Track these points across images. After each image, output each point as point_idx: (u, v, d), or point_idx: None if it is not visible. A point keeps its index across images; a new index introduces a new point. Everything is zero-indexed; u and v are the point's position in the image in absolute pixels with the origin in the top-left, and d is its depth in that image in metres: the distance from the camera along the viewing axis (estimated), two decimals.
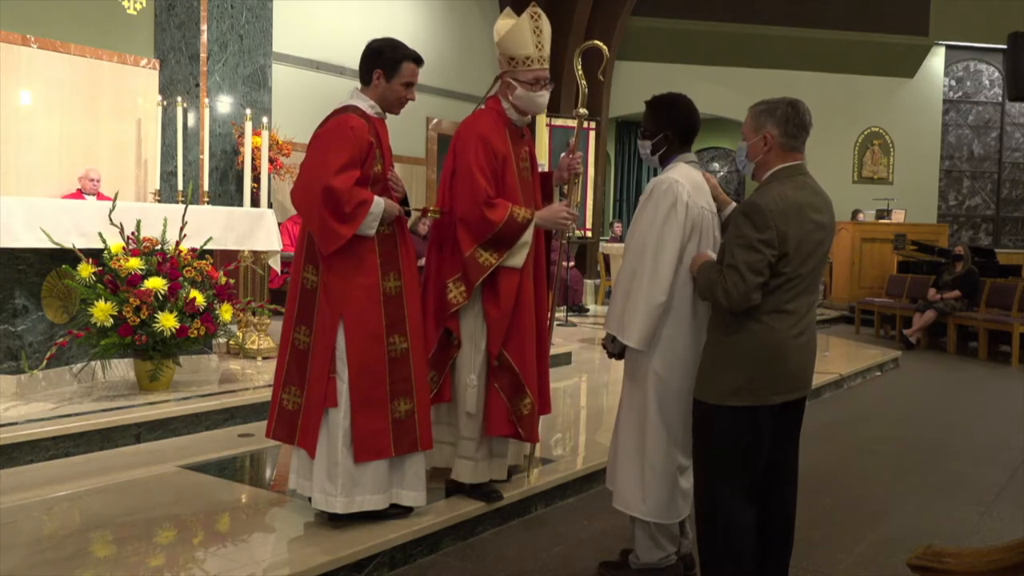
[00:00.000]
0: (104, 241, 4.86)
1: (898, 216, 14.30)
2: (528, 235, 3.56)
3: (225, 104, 7.44)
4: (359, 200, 3.22)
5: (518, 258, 3.56)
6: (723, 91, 15.06)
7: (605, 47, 4.12)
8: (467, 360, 3.66)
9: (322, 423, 3.28)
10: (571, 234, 12.44)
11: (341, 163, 3.20)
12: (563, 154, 3.99)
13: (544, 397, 3.86)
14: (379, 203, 3.30)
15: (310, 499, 3.40)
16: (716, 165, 17.24)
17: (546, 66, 3.66)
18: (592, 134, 13.83)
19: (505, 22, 3.65)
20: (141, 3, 7.54)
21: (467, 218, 3.53)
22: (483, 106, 3.79)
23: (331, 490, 3.29)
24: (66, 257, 4.77)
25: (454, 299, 3.60)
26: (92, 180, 7.13)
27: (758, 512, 2.93)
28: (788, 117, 2.85)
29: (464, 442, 3.70)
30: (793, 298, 2.83)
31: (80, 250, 4.76)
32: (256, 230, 6.05)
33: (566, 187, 3.95)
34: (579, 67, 4.06)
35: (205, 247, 5.31)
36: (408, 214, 3.55)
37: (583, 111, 4.00)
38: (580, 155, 3.89)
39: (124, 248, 4.92)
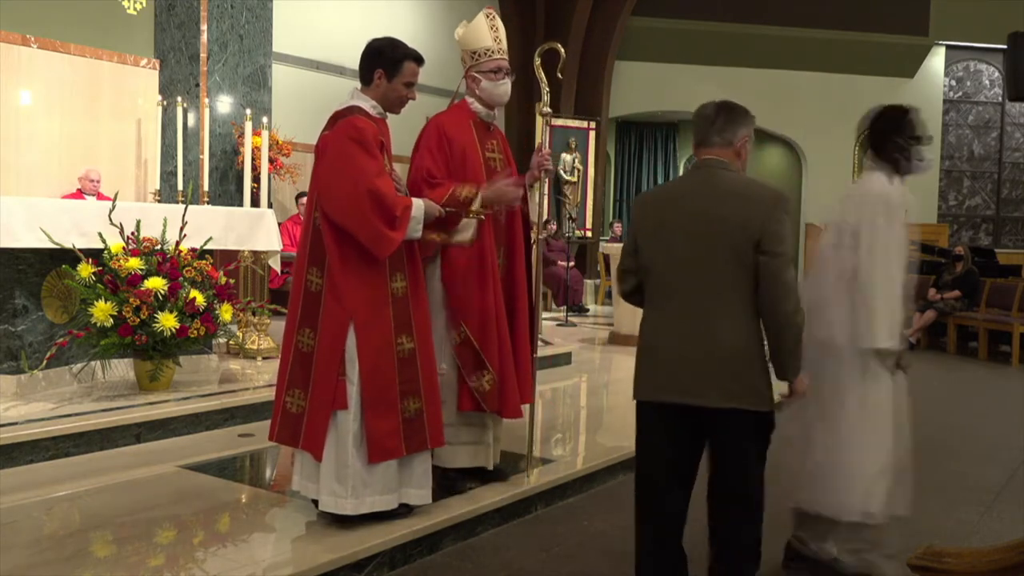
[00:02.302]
0: (104, 241, 4.86)
1: None
2: (476, 207, 3.67)
3: (225, 104, 7.43)
4: (403, 205, 3.26)
5: (465, 235, 3.66)
6: (723, 91, 14.92)
7: (562, 48, 4.36)
8: (437, 350, 3.74)
9: (330, 425, 3.27)
10: (571, 233, 12.46)
11: (377, 167, 3.24)
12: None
13: (524, 384, 3.94)
14: (419, 206, 3.34)
15: (314, 501, 3.40)
16: None
17: (505, 57, 3.88)
18: (592, 134, 13.86)
19: (462, 27, 3.93)
20: (141, 3, 7.54)
21: (412, 189, 3.66)
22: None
23: (341, 492, 3.28)
24: (66, 257, 4.77)
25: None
26: (92, 180, 7.13)
27: (712, 536, 2.94)
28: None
29: (444, 428, 3.76)
30: (663, 293, 2.81)
31: (80, 250, 4.76)
32: (256, 230, 6.05)
33: (537, 184, 4.10)
34: (539, 67, 4.29)
35: (205, 247, 5.30)
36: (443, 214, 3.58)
37: (547, 109, 4.20)
38: (549, 153, 4.05)
39: (124, 248, 4.91)
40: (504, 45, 3.88)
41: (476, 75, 3.87)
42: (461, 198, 3.61)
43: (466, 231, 3.66)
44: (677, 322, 2.77)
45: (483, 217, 3.69)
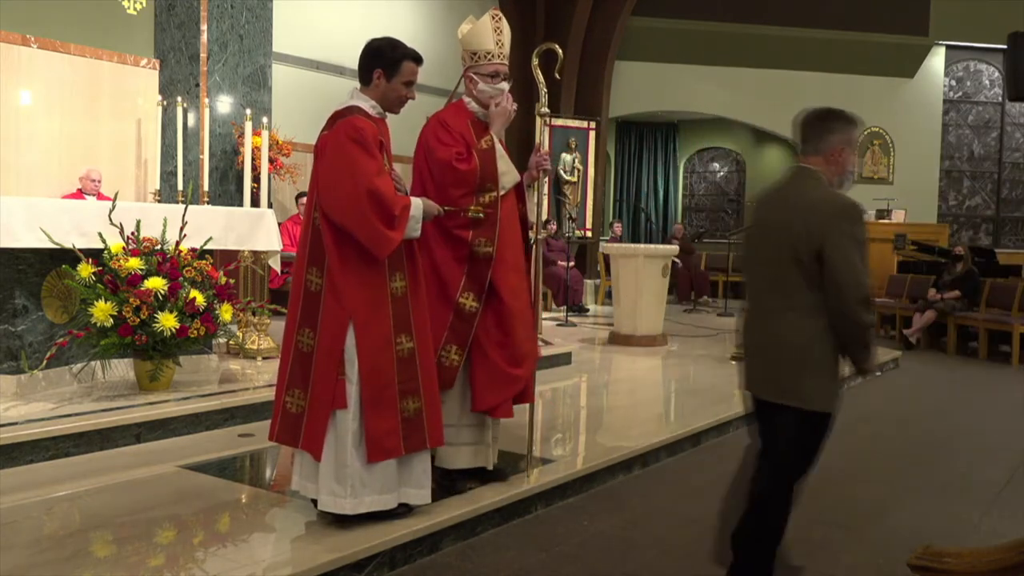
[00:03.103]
0: (104, 241, 4.86)
1: (898, 216, 14.28)
2: (499, 148, 3.81)
3: (225, 104, 7.44)
4: (402, 204, 3.27)
5: (509, 176, 3.83)
6: (723, 91, 15.04)
7: (559, 48, 4.41)
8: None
9: (329, 425, 3.28)
10: (571, 233, 12.46)
11: (377, 167, 3.24)
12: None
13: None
14: (418, 205, 3.36)
15: (314, 501, 3.40)
16: (716, 165, 17.24)
17: (505, 62, 3.90)
18: (592, 134, 13.86)
19: (468, 24, 3.93)
20: (141, 3, 7.54)
21: (445, 180, 3.72)
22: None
23: (340, 492, 3.28)
24: (66, 257, 4.77)
25: (471, 308, 3.73)
26: (93, 180, 7.13)
27: None
28: None
29: (446, 429, 3.78)
30: (749, 292, 3.01)
31: (80, 250, 4.76)
32: (256, 230, 6.05)
33: (536, 184, 4.13)
34: (537, 68, 4.32)
35: (205, 247, 5.31)
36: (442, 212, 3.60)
37: (545, 110, 4.23)
38: (547, 152, 4.09)
39: (124, 248, 4.92)
40: (506, 49, 3.89)
41: (474, 76, 3.88)
42: (483, 148, 3.78)
43: (508, 173, 3.81)
44: (752, 319, 3.00)
45: (482, 216, 3.71)
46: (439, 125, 3.84)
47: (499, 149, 3.81)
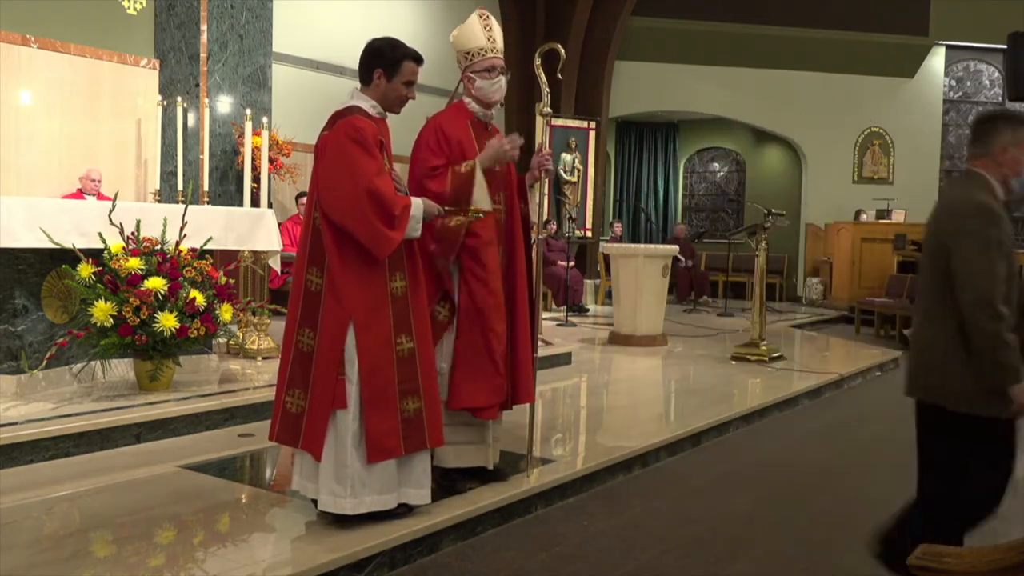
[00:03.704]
0: (104, 241, 4.86)
1: (898, 216, 14.29)
2: (479, 177, 3.73)
3: (225, 104, 7.43)
4: (402, 204, 3.27)
5: (484, 202, 3.75)
6: (723, 91, 15.04)
7: (561, 48, 4.41)
8: (438, 349, 3.78)
9: (330, 425, 3.28)
10: (571, 233, 12.47)
11: (377, 167, 3.24)
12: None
13: (524, 384, 3.97)
14: (418, 205, 3.36)
15: (314, 501, 3.40)
16: (716, 165, 17.23)
17: (500, 56, 3.88)
18: (592, 134, 13.86)
19: (457, 29, 3.94)
20: (141, 3, 7.54)
21: (419, 191, 3.69)
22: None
23: (340, 492, 3.29)
24: (66, 257, 4.77)
25: (443, 318, 3.77)
26: (93, 180, 7.13)
27: None
28: None
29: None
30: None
31: (80, 250, 4.76)
32: (256, 230, 6.06)
33: (537, 185, 4.12)
34: (539, 67, 4.32)
35: (205, 247, 5.31)
36: (442, 213, 3.59)
37: (547, 110, 4.22)
38: (549, 152, 4.08)
39: (124, 248, 4.92)
40: (499, 44, 3.89)
41: (471, 75, 3.88)
42: (462, 172, 3.71)
43: (482, 202, 3.74)
44: (914, 321, 3.07)
45: (482, 215, 3.71)
46: (434, 131, 3.82)
47: (479, 178, 3.75)
